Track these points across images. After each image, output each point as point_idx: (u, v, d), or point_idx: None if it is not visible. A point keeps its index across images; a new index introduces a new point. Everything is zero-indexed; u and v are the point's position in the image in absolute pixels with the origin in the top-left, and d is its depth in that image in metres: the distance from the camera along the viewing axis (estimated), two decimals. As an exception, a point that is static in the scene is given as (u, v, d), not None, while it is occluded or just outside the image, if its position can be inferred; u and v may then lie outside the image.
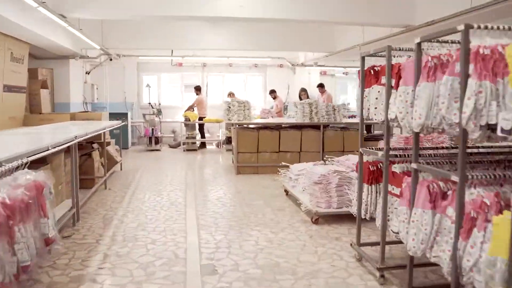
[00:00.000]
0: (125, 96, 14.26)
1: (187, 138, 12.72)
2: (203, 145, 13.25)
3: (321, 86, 13.10)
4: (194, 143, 12.85)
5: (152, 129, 12.62)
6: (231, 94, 13.27)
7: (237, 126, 8.83)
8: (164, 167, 9.72)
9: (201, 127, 13.24)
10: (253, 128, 9.02)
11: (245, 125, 9.11)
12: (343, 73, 15.84)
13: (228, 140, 13.32)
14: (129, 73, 14.28)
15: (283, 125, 9.17)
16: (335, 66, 15.09)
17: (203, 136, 13.30)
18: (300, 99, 11.59)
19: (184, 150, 12.58)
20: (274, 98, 13.30)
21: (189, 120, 12.51)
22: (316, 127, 9.03)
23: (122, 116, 12.99)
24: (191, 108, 13.12)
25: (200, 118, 12.88)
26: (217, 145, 13.49)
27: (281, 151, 8.80)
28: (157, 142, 12.96)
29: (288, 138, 8.80)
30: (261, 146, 8.75)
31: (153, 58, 14.00)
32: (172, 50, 13.63)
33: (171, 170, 9.31)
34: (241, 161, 8.71)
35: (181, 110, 14.18)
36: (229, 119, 9.14)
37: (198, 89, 13.24)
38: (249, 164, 8.73)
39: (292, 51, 13.50)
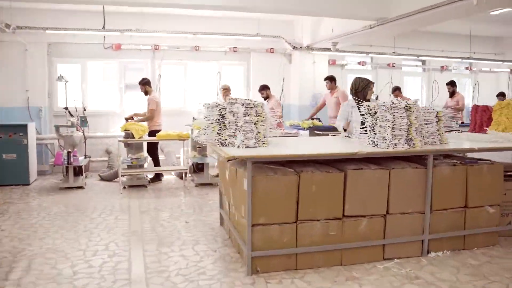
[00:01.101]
0: (27, 97, 8.84)
1: (129, 166, 7.50)
2: (156, 176, 8.07)
3: (331, 79, 8.39)
4: (142, 175, 7.67)
5: (68, 152, 7.28)
6: (225, 89, 8.39)
7: (247, 161, 3.78)
8: (75, 242, 4.52)
9: (153, 147, 8.08)
10: (276, 165, 4.01)
11: (264, 160, 4.04)
12: (360, 63, 11.16)
13: (197, 168, 8.26)
14: (34, 60, 8.86)
15: (336, 158, 4.24)
16: (366, 53, 10.47)
17: (156, 161, 8.13)
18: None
19: (124, 187, 7.37)
20: (267, 98, 8.41)
21: (132, 137, 7.29)
22: (410, 159, 4.23)
23: (20, 129, 7.69)
24: (141, 118, 7.97)
25: (153, 133, 7.73)
26: (180, 176, 8.35)
27: (348, 215, 3.88)
28: (79, 173, 7.68)
29: (361, 185, 3.89)
30: (305, 207, 3.78)
31: (74, 35, 8.66)
32: (104, 22, 8.40)
33: (88, 252, 4.16)
34: (261, 244, 3.68)
35: (120, 118, 8.95)
36: (217, 140, 4.15)
37: (147, 83, 8.08)
38: (278, 252, 3.72)
39: (307, 14, 8.55)
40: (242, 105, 4.07)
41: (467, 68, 12.38)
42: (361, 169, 3.88)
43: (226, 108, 4.15)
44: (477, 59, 11.50)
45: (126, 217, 5.57)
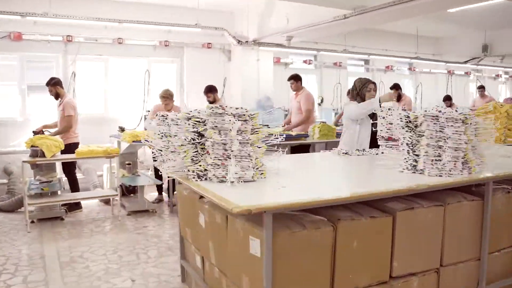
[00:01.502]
0: None
1: (37, 194, 5.64)
2: (75, 203, 6.26)
3: (296, 79, 7.25)
4: (55, 206, 5.83)
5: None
6: (165, 98, 6.60)
7: (264, 214, 2.32)
8: None
9: (70, 165, 6.28)
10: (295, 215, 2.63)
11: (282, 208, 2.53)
12: (306, 62, 10.10)
13: (127, 190, 6.65)
14: None
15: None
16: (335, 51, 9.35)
17: (74, 184, 6.31)
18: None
19: (32, 221, 5.53)
20: (213, 102, 6.99)
21: (42, 154, 5.45)
22: (458, 188, 3.11)
23: None
24: (58, 130, 6.17)
25: (69, 147, 5.94)
26: (105, 200, 6.60)
27: (396, 276, 2.64)
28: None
29: (412, 231, 2.66)
30: (343, 273, 2.46)
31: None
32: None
33: None
34: None
35: (22, 128, 7.01)
36: (193, 172, 2.71)
37: (57, 84, 6.26)
38: None
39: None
40: (235, 116, 2.67)
41: (410, 69, 11.93)
42: (412, 208, 2.67)
43: (206, 123, 2.72)
44: (425, 59, 11.04)
45: (41, 277, 3.86)
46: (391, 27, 10.66)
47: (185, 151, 2.75)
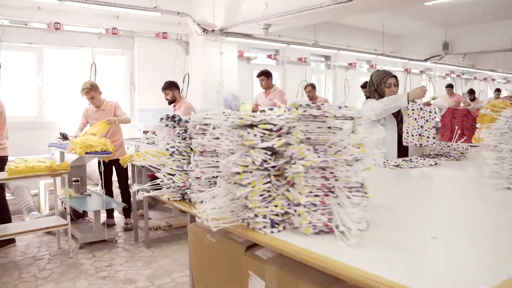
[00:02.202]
0: None
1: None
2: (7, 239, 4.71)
3: (267, 75, 6.32)
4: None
5: None
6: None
7: None
8: None
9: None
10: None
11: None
12: (270, 56, 9.08)
13: (75, 214, 5.26)
14: None
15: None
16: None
17: (3, 210, 4.77)
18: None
19: None
20: (173, 101, 5.80)
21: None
22: None
23: None
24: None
25: (-4, 163, 4.45)
26: (50, 232, 5.09)
27: None
28: None
29: None
30: None
31: None
32: None
33: None
34: None
35: None
36: (264, 217, 1.56)
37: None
38: None
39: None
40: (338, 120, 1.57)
41: (371, 67, 11.34)
42: None
43: (282, 132, 1.59)
44: (394, 56, 10.48)
45: None
46: (354, 22, 10.00)
47: (249, 183, 1.61)
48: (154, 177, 2.48)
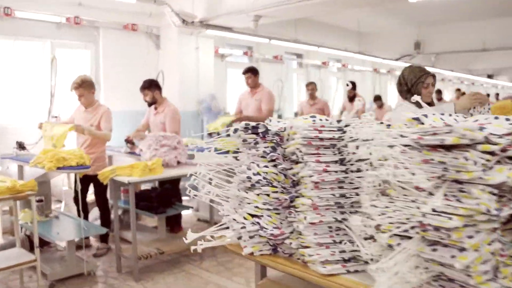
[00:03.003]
0: None
1: None
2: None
3: (254, 72, 5.66)
4: None
5: None
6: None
7: None
8: None
9: None
10: None
11: None
12: (246, 53, 8.36)
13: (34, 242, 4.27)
14: None
15: None
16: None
17: None
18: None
19: None
20: (153, 103, 4.99)
21: None
22: None
23: None
24: None
25: None
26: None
27: None
28: None
29: None
30: None
31: None
32: None
33: None
34: None
35: None
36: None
37: None
38: None
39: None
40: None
41: (344, 66, 10.91)
42: None
43: None
44: (372, 56, 10.11)
45: None
46: (328, 19, 9.54)
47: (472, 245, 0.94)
48: (137, 194, 1.70)
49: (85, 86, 4.42)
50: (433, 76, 3.16)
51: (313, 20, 9.40)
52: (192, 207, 4.75)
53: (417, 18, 9.99)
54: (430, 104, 3.18)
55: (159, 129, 4.97)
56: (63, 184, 5.41)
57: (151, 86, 4.93)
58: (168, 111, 4.88)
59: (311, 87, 7.06)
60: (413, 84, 3.12)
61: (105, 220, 4.50)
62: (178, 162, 4.45)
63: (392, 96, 13.30)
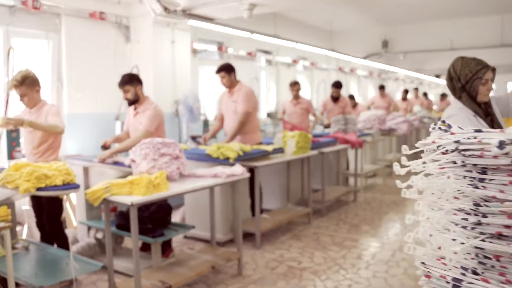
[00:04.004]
0: None
1: None
2: None
3: (228, 70, 5.06)
4: None
5: None
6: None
7: None
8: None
9: None
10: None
11: None
12: (221, 49, 7.62)
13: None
14: None
15: None
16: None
17: None
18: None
19: None
20: (135, 101, 4.27)
21: None
22: None
23: None
24: None
25: None
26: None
27: None
28: None
29: None
30: None
31: None
32: None
33: None
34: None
35: None
36: None
37: None
38: None
39: None
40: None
41: (312, 64, 10.45)
42: None
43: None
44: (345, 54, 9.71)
45: None
46: (299, 16, 9.09)
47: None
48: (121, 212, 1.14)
49: (28, 84, 3.58)
50: (493, 69, 2.68)
51: (287, 17, 8.92)
52: (193, 227, 4.01)
53: (386, 17, 9.79)
54: (487, 103, 2.71)
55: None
56: (22, 202, 4.46)
57: (132, 80, 4.18)
58: (151, 112, 4.15)
59: (296, 87, 6.60)
60: (468, 80, 2.59)
61: (59, 240, 3.69)
62: (180, 175, 3.72)
63: (356, 95, 13.09)
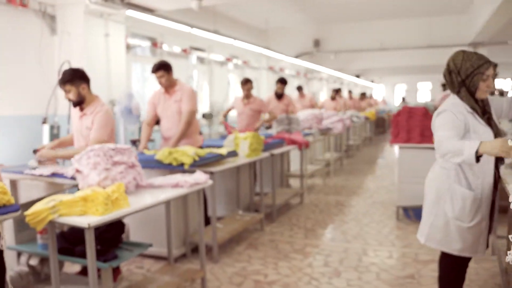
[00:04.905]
0: None
1: None
2: None
3: (166, 69, 4.68)
4: None
5: None
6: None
7: None
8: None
9: None
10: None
11: None
12: (155, 45, 7.03)
13: None
14: None
15: None
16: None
17: None
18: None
19: None
20: (80, 101, 3.73)
21: None
22: None
23: None
24: None
25: None
26: None
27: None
28: None
29: None
30: None
31: None
32: None
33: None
34: None
35: None
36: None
37: None
38: None
39: None
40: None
41: (245, 62, 10.15)
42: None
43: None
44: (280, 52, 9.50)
45: None
46: (232, 12, 8.78)
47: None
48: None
49: None
50: (495, 65, 2.58)
51: (224, 14, 8.56)
52: (150, 245, 3.51)
53: (319, 16, 9.79)
54: (484, 101, 2.62)
55: (85, 138, 3.67)
56: None
57: (73, 79, 3.62)
58: (101, 115, 3.62)
59: (247, 86, 6.15)
60: (469, 74, 2.48)
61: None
62: (137, 185, 3.22)
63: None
